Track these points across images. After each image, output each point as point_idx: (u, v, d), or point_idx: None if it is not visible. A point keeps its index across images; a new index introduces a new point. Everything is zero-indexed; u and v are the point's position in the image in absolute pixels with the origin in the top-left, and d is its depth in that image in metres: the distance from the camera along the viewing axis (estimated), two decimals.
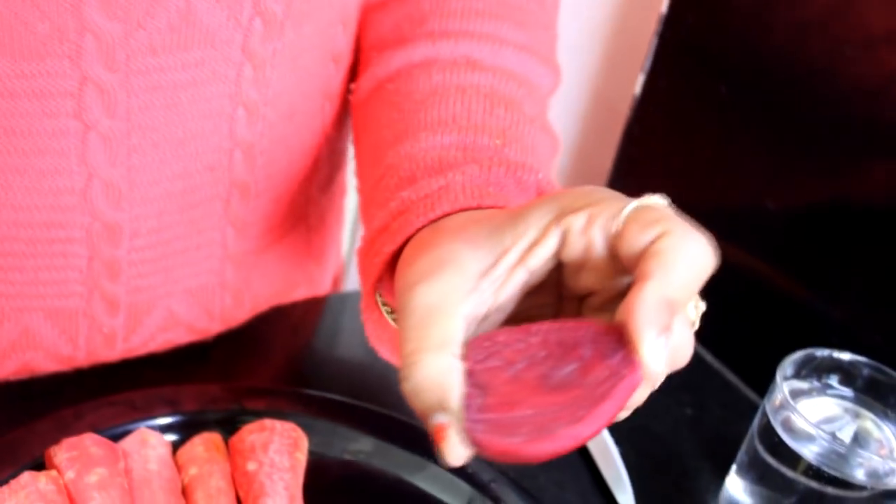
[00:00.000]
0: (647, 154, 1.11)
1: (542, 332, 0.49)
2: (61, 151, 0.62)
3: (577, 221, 0.49)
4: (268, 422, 0.65)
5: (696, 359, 0.92)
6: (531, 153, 0.62)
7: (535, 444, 0.44)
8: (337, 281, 0.97)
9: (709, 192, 1.04)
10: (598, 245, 0.49)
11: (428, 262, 0.51)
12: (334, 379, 0.78)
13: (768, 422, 0.66)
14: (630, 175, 1.12)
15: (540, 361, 0.47)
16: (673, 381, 0.87)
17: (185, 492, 0.62)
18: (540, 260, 0.50)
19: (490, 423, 0.45)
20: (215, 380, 0.74)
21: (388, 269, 0.58)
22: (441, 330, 0.48)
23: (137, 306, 0.71)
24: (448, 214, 0.56)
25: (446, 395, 0.46)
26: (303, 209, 0.80)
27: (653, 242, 0.46)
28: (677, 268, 0.45)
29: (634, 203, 0.48)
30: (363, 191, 0.68)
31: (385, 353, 0.63)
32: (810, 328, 0.94)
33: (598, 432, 0.44)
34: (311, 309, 0.88)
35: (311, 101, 0.73)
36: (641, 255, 0.46)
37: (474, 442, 0.45)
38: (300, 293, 0.87)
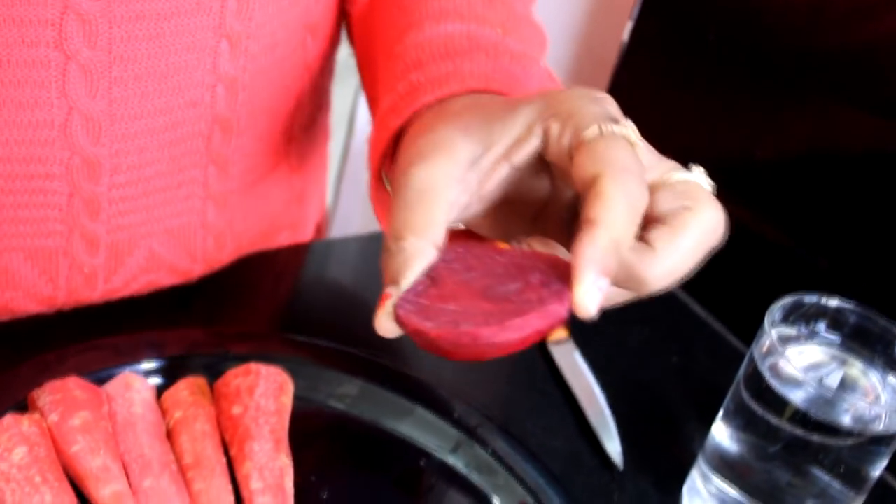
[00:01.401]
0: (635, 102, 1.09)
1: (511, 254, 0.53)
2: (41, 83, 0.61)
3: (555, 126, 0.52)
4: (253, 365, 0.64)
5: (683, 308, 0.94)
6: (529, 45, 0.65)
7: (439, 331, 0.48)
8: (321, 229, 0.97)
9: (696, 141, 1.04)
10: (564, 155, 0.52)
11: (424, 145, 0.53)
12: (319, 326, 0.77)
13: (755, 368, 0.66)
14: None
15: (492, 276, 0.51)
16: (660, 330, 0.89)
17: (169, 435, 0.62)
18: (522, 157, 0.53)
19: (418, 307, 0.50)
20: (199, 326, 0.74)
21: (393, 148, 0.60)
22: (426, 214, 0.52)
23: (118, 246, 0.71)
24: (455, 95, 0.58)
25: (404, 272, 0.51)
26: (285, 149, 0.79)
27: (595, 180, 0.49)
28: (615, 212, 0.48)
29: (596, 128, 0.50)
30: (371, 90, 0.68)
31: None
32: (797, 278, 0.95)
33: (500, 345, 0.48)
34: (295, 255, 0.88)
35: (293, 35, 0.73)
36: (587, 190, 0.49)
37: (397, 317, 0.50)
38: (283, 238, 0.87)
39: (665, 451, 0.76)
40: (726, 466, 0.68)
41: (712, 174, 1.00)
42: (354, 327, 0.76)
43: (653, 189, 0.52)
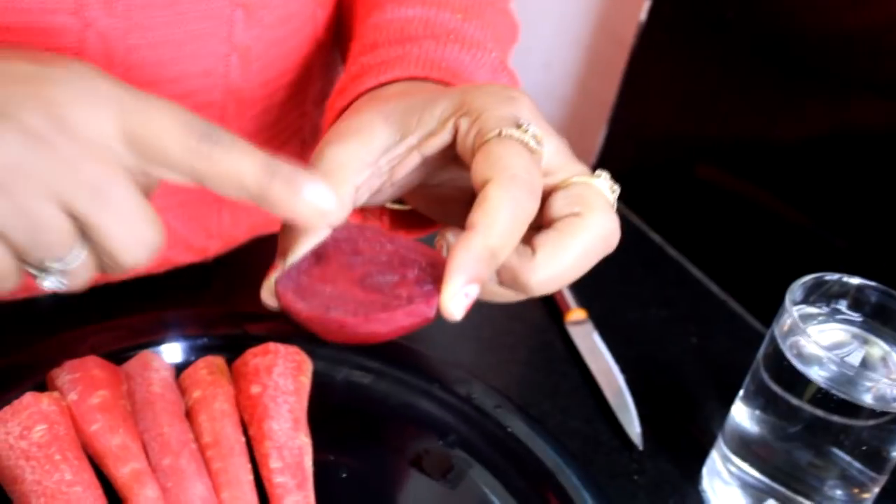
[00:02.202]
0: (652, 82, 1.10)
1: (400, 245, 0.54)
2: (58, 50, 0.61)
3: (464, 123, 0.53)
4: (272, 345, 0.64)
5: (702, 289, 0.93)
6: (490, 32, 0.65)
7: (310, 313, 0.50)
8: None
9: (714, 122, 1.03)
10: (468, 155, 0.52)
11: (344, 127, 0.55)
12: None
13: (776, 347, 0.66)
14: (634, 103, 1.10)
15: (375, 264, 0.53)
16: (679, 310, 0.89)
17: (188, 415, 0.62)
18: (433, 149, 0.54)
19: (297, 285, 0.52)
20: (217, 306, 0.74)
21: None
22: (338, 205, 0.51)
23: None
24: (397, 81, 0.59)
25: (292, 247, 0.53)
26: (297, 123, 0.79)
27: (485, 184, 0.49)
28: (496, 220, 0.48)
29: (497, 130, 0.51)
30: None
31: None
32: (816, 258, 0.94)
33: (365, 335, 0.50)
34: None
35: (304, 6, 0.73)
36: (477, 193, 0.50)
37: (276, 291, 0.52)
38: None
39: (684, 431, 0.76)
40: (746, 447, 0.68)
41: (730, 155, 1.00)
42: None
43: (550, 191, 0.52)
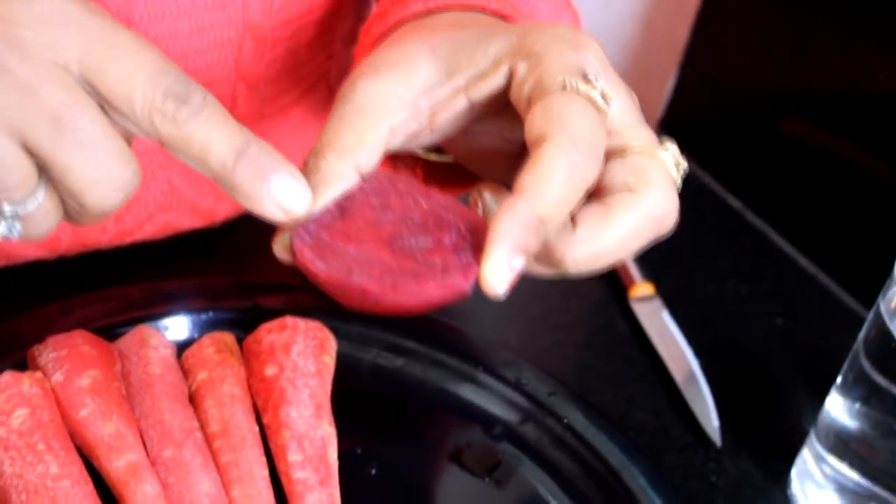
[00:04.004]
0: (730, 22, 1.09)
1: (436, 203, 0.53)
2: None
3: (522, 67, 0.52)
4: (289, 319, 0.64)
5: (789, 261, 0.93)
6: None
7: (329, 276, 0.49)
8: None
9: (802, 68, 1.02)
10: (524, 104, 0.51)
11: (383, 58, 0.54)
12: None
13: (881, 329, 0.65)
14: (709, 46, 1.10)
15: (407, 223, 0.52)
16: (762, 286, 0.88)
17: (192, 399, 0.61)
18: (482, 94, 0.53)
19: (316, 241, 0.50)
20: (224, 276, 0.74)
21: None
22: (358, 133, 0.52)
23: None
24: (447, 8, 0.58)
25: (318, 194, 0.51)
26: (324, 66, 0.78)
27: (540, 142, 0.49)
28: (549, 184, 0.48)
29: (561, 80, 0.50)
30: None
31: None
32: None
33: (389, 306, 0.49)
34: None
35: None
36: (528, 152, 0.49)
37: (292, 246, 0.51)
38: None
39: (770, 426, 0.76)
40: (844, 445, 0.67)
41: (820, 110, 0.99)
42: None
43: (607, 156, 0.52)
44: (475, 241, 0.50)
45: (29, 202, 0.47)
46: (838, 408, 0.68)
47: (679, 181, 0.53)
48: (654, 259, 0.83)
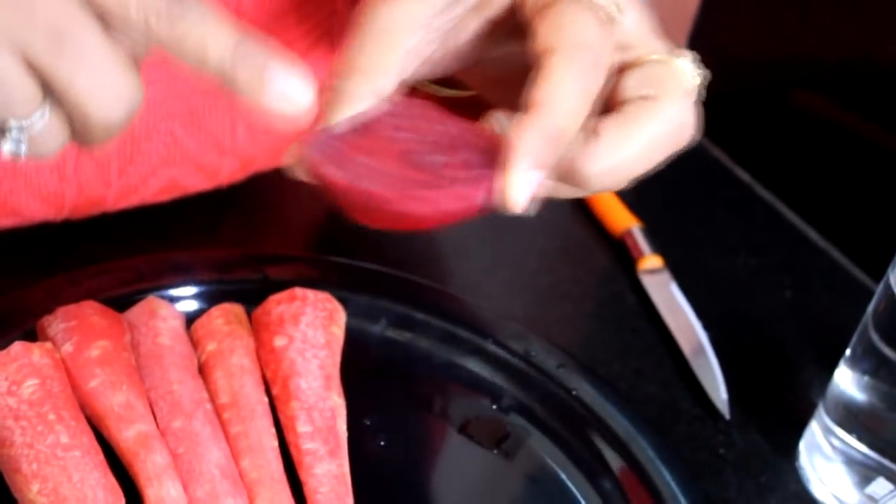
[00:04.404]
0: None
1: (456, 126, 0.53)
2: None
3: None
4: (298, 291, 0.64)
5: (798, 234, 0.92)
6: None
7: (335, 179, 0.49)
8: None
9: (808, 43, 1.01)
10: (531, 18, 0.51)
11: None
12: (372, 248, 0.76)
13: (890, 301, 0.65)
14: (718, 16, 1.09)
15: (423, 142, 0.51)
16: (771, 259, 0.88)
17: (201, 370, 0.61)
18: (494, 11, 0.53)
19: (333, 151, 0.50)
20: (232, 247, 0.73)
21: None
22: (379, 56, 0.51)
23: (133, 126, 0.69)
24: None
25: (336, 111, 0.51)
26: (326, 23, 0.78)
27: (547, 54, 0.49)
28: (561, 97, 0.48)
29: None
30: None
31: None
32: None
33: (397, 215, 0.49)
34: None
35: None
36: (535, 65, 0.49)
37: (308, 156, 0.50)
38: None
39: (778, 399, 0.75)
40: (852, 418, 0.67)
41: (832, 80, 0.98)
42: (415, 251, 0.76)
43: (623, 68, 0.52)
44: (490, 158, 0.50)
45: (35, 119, 0.47)
46: (847, 380, 0.68)
47: (696, 89, 0.53)
48: (663, 231, 0.84)
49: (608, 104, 0.52)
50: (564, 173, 0.51)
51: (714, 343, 0.77)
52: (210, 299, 0.66)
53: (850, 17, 0.98)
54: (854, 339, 0.68)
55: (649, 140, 0.51)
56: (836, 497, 0.68)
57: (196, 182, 0.75)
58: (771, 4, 1.06)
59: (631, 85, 0.52)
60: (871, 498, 0.67)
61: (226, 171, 0.77)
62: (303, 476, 0.57)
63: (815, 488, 0.69)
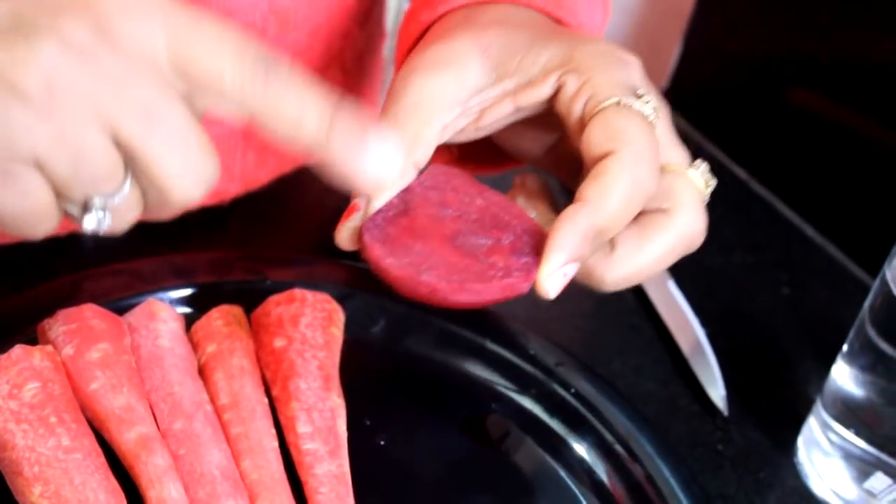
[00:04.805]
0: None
1: (491, 201, 0.57)
2: None
3: (571, 82, 0.54)
4: (297, 292, 0.64)
5: (795, 231, 0.93)
6: None
7: (400, 272, 0.53)
8: None
9: (805, 40, 1.01)
10: (575, 118, 0.54)
11: (436, 55, 0.56)
12: None
13: (886, 298, 0.65)
14: (714, 14, 1.09)
15: (467, 221, 0.56)
16: (768, 256, 0.88)
17: (201, 372, 0.61)
18: (530, 101, 0.56)
19: (385, 236, 0.54)
20: (233, 249, 0.73)
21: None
22: (416, 131, 0.55)
23: None
24: (496, 1, 0.60)
25: (379, 189, 0.55)
26: (339, 45, 0.78)
27: (603, 157, 0.52)
28: (612, 197, 0.51)
29: (616, 99, 0.53)
30: None
31: None
32: None
33: (454, 303, 0.53)
34: None
35: None
36: (592, 164, 0.52)
37: (361, 239, 0.55)
38: None
39: (776, 395, 0.75)
40: (850, 413, 0.67)
41: (827, 78, 0.98)
42: None
43: None
44: (531, 243, 0.54)
45: (117, 194, 0.48)
46: (844, 376, 0.68)
47: (707, 197, 0.56)
48: None
49: None
50: (583, 275, 0.55)
51: (712, 340, 0.77)
52: (209, 301, 0.65)
53: (846, 13, 0.97)
54: (851, 334, 0.68)
55: (663, 252, 0.55)
56: (834, 492, 0.68)
57: (202, 201, 0.76)
58: (767, 1, 1.06)
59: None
60: (869, 493, 0.67)
61: (232, 192, 0.77)
62: (303, 476, 0.57)
63: (814, 483, 0.69)
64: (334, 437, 0.59)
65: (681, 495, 0.61)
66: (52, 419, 0.55)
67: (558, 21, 0.62)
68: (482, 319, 0.68)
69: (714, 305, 0.80)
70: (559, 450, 0.64)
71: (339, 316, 0.65)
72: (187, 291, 0.66)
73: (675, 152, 0.56)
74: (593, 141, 0.52)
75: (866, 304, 0.67)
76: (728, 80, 1.10)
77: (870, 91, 0.96)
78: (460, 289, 0.53)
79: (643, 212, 0.55)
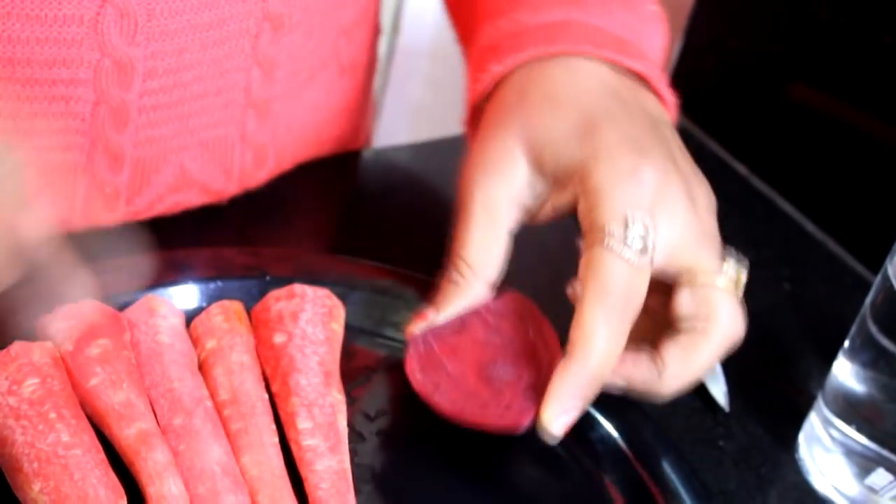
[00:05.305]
0: None
1: (541, 334, 0.64)
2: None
3: (582, 203, 0.60)
4: (297, 287, 0.64)
5: (795, 227, 0.92)
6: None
7: (419, 388, 0.62)
8: (367, 139, 0.96)
9: (805, 35, 1.01)
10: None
11: (491, 159, 0.63)
12: (370, 245, 0.77)
13: (888, 294, 0.64)
14: (715, 9, 1.09)
15: (506, 352, 0.63)
16: (768, 252, 0.88)
17: (201, 368, 0.61)
18: (562, 203, 0.62)
19: (427, 350, 0.63)
20: (232, 244, 0.73)
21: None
22: (487, 251, 0.63)
23: (145, 161, 0.70)
24: (562, 55, 0.65)
25: (448, 303, 0.63)
26: (334, 45, 0.78)
27: (581, 297, 0.58)
28: (596, 345, 0.57)
29: (601, 239, 0.59)
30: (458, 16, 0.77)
31: None
32: None
33: (451, 420, 0.61)
34: (342, 166, 0.87)
35: None
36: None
37: (408, 350, 0.63)
38: (327, 150, 0.86)
39: (777, 391, 0.75)
40: (852, 410, 0.67)
41: (828, 72, 0.98)
42: (411, 247, 0.75)
43: (678, 282, 0.61)
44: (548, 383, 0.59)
45: None
46: (845, 372, 0.68)
47: (741, 292, 0.62)
48: None
49: (668, 317, 0.61)
50: (642, 395, 0.61)
51: None
52: (209, 297, 0.65)
53: (847, 9, 0.97)
54: (852, 330, 0.68)
55: (708, 361, 0.61)
56: (836, 488, 0.68)
57: (201, 201, 0.76)
58: (759, 5, 1.06)
59: (686, 305, 0.60)
60: (870, 489, 0.67)
61: (230, 192, 0.77)
62: (303, 472, 0.57)
63: (815, 480, 0.69)
64: (334, 433, 0.58)
65: (682, 491, 0.61)
66: (52, 415, 0.55)
67: (627, 69, 0.66)
68: None
69: None
70: (560, 446, 0.63)
71: (340, 312, 0.65)
72: (187, 287, 0.66)
73: (701, 256, 0.61)
74: (580, 269, 0.59)
75: (867, 300, 0.67)
76: (729, 75, 1.10)
77: (870, 87, 0.96)
78: (461, 414, 0.60)
79: (681, 329, 0.60)
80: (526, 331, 0.63)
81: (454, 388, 0.61)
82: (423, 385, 0.61)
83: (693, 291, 0.60)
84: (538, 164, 0.63)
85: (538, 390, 0.59)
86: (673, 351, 0.60)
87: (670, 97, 0.69)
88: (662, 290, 0.62)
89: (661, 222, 0.60)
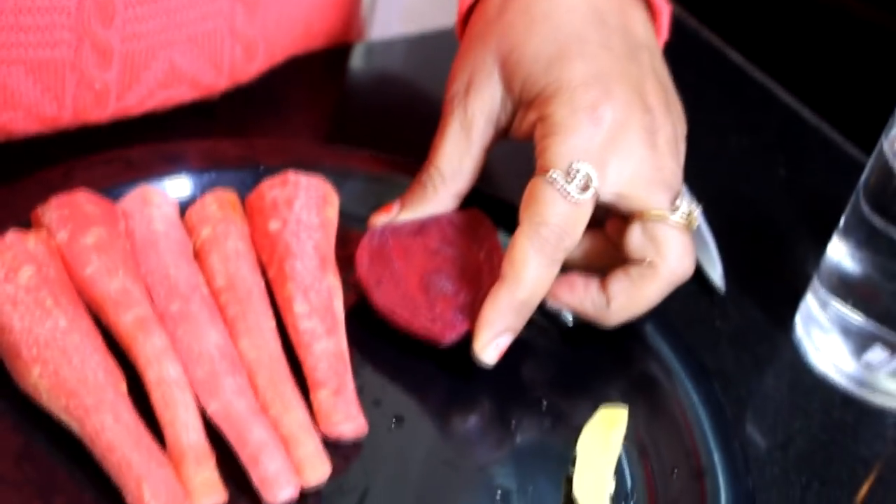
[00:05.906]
0: None
1: (491, 256, 0.63)
2: None
3: (538, 133, 0.61)
4: (291, 175, 0.63)
5: (791, 113, 0.92)
6: None
7: (361, 276, 0.62)
8: (359, 32, 0.95)
9: None
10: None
11: (477, 74, 0.63)
12: (364, 136, 0.76)
13: (881, 172, 0.64)
14: None
15: (454, 264, 0.63)
16: (764, 138, 0.87)
17: (197, 256, 0.61)
18: (520, 134, 0.63)
19: (380, 245, 0.63)
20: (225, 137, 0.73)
21: None
22: (457, 162, 0.64)
23: (133, 57, 0.70)
24: None
25: (413, 204, 0.64)
26: (308, 21, 0.78)
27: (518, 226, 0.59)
28: (526, 274, 0.58)
29: (545, 172, 0.59)
30: None
31: None
32: None
33: (382, 314, 0.61)
34: (334, 60, 0.86)
35: None
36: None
37: (363, 238, 0.64)
38: (319, 44, 0.85)
39: (774, 273, 0.76)
40: (847, 289, 0.68)
41: None
42: (406, 136, 0.75)
43: (631, 217, 0.61)
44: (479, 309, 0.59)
45: None
46: (840, 252, 0.68)
47: (693, 228, 0.62)
48: None
49: (618, 252, 0.62)
50: (588, 321, 0.63)
51: (709, 220, 0.76)
52: (203, 188, 0.65)
53: None
54: (846, 210, 0.68)
55: (654, 298, 0.61)
56: (834, 366, 0.69)
57: (191, 96, 0.75)
58: None
59: (636, 242, 0.61)
60: (868, 365, 0.67)
61: (221, 86, 0.76)
62: (301, 354, 0.57)
63: (813, 358, 0.69)
64: (331, 316, 0.59)
65: (679, 369, 0.61)
66: (49, 301, 0.55)
67: None
68: (473, 200, 0.68)
69: (710, 186, 0.79)
70: (556, 328, 0.64)
71: (334, 198, 0.64)
72: (180, 179, 0.65)
73: (655, 197, 0.60)
74: (522, 199, 0.59)
75: (861, 180, 0.66)
76: None
77: None
78: (391, 312, 0.60)
79: (631, 262, 0.61)
80: (478, 251, 0.64)
81: (394, 288, 0.61)
82: (367, 276, 0.62)
83: (644, 227, 0.61)
84: (508, 83, 0.63)
85: (471, 310, 0.60)
86: (621, 283, 0.61)
87: (663, 4, 0.67)
88: (622, 217, 0.62)
89: (612, 163, 0.60)
